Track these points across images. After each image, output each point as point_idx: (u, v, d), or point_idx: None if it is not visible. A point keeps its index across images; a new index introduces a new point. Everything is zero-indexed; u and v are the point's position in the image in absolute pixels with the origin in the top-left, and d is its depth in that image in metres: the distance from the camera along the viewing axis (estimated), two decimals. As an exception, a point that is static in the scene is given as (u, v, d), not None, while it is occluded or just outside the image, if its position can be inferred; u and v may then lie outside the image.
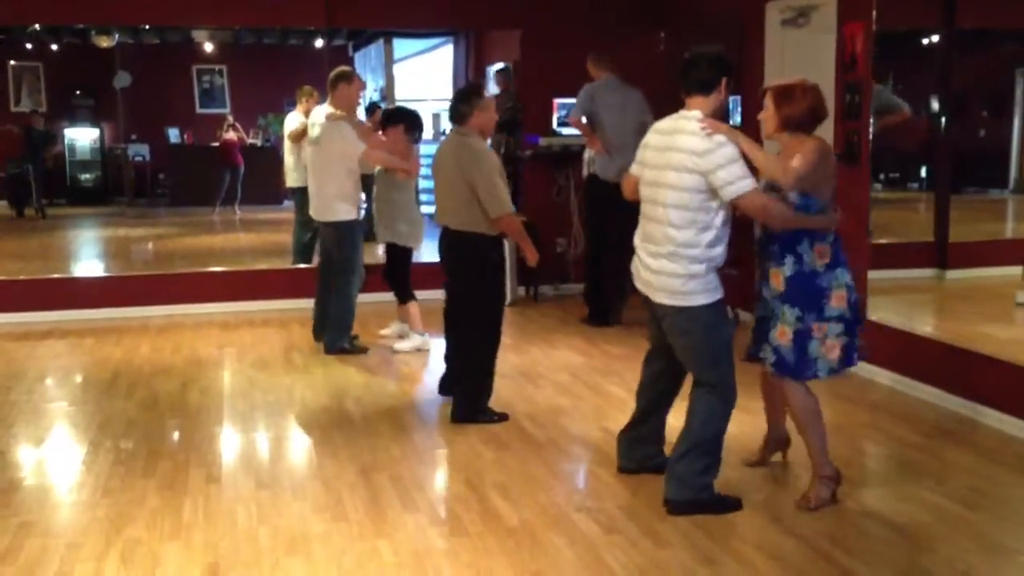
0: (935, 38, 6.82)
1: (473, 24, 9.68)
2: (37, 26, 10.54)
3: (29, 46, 13.86)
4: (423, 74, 13.24)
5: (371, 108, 10.93)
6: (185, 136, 14.76)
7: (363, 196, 7.10)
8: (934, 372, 5.60)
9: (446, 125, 5.52)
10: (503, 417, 5.32)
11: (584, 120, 7.49)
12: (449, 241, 5.31)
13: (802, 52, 6.79)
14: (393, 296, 7.02)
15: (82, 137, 14.58)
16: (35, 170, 13.42)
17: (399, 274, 6.92)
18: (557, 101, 8.85)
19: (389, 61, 12.47)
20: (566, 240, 9.04)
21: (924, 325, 6.28)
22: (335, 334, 6.79)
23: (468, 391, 5.32)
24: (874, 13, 6.03)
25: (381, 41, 12.33)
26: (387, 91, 12.51)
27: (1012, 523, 4.07)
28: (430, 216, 5.59)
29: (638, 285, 4.18)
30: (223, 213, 13.44)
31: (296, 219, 9.09)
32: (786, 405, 4.27)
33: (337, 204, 6.64)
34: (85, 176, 14.59)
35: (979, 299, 6.57)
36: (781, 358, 4.09)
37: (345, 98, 6.63)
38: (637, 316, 7.46)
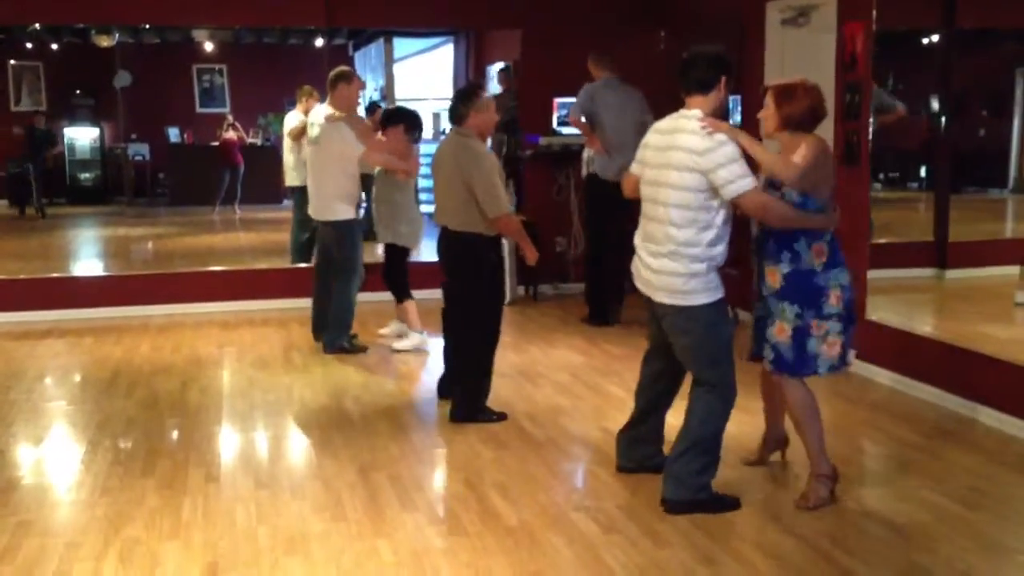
0: (935, 38, 6.82)
1: (473, 24, 9.68)
2: (37, 25, 10.54)
3: (29, 45, 13.88)
4: (423, 73, 13.23)
5: (371, 107, 10.93)
6: (185, 135, 14.77)
7: (363, 195, 7.11)
8: (934, 372, 5.60)
9: (446, 125, 5.52)
10: (502, 417, 5.32)
11: (583, 119, 7.50)
12: (448, 241, 5.31)
13: (802, 52, 6.79)
14: (391, 296, 7.03)
15: (82, 136, 14.59)
16: (36, 169, 13.43)
17: (397, 273, 6.92)
18: (557, 100, 8.84)
19: (389, 60, 12.47)
20: (566, 240, 9.04)
21: (924, 325, 6.28)
22: (334, 333, 6.79)
23: (467, 391, 5.32)
24: (874, 13, 6.03)
25: (381, 40, 12.33)
26: (387, 90, 12.51)
27: (1012, 523, 4.07)
28: (430, 216, 5.59)
29: (638, 285, 4.18)
30: (223, 212, 13.44)
31: (294, 218, 9.09)
32: (784, 403, 4.27)
33: (336, 204, 6.64)
34: (85, 175, 14.60)
35: (979, 299, 6.57)
36: (779, 355, 4.09)
37: (344, 98, 6.63)
38: (637, 316, 7.46)
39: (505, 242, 5.88)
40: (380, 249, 7.07)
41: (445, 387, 5.63)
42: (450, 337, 5.59)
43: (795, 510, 4.08)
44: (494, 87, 10.10)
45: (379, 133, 6.91)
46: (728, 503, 4.10)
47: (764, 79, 6.73)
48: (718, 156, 3.79)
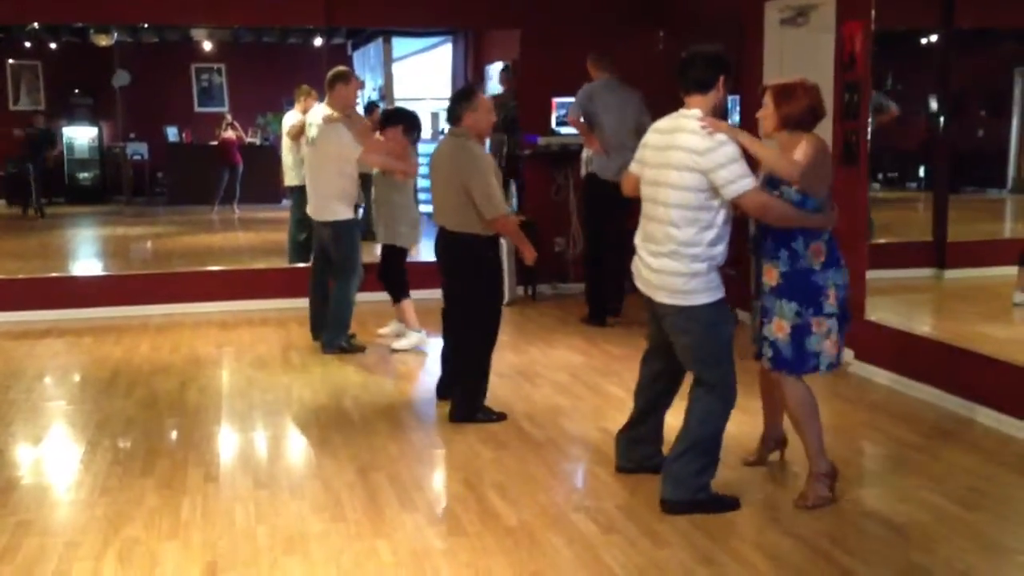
0: (934, 38, 6.82)
1: (472, 23, 9.68)
2: (36, 25, 10.52)
3: (28, 45, 13.87)
4: (422, 73, 13.23)
5: (369, 107, 10.92)
6: (184, 135, 14.76)
7: (361, 195, 7.11)
8: (932, 372, 5.61)
9: (445, 125, 5.53)
10: (501, 417, 5.32)
11: (582, 120, 7.51)
12: (446, 242, 5.31)
13: (801, 52, 6.79)
14: (388, 296, 7.04)
15: (81, 136, 14.58)
16: (35, 169, 13.43)
17: (394, 273, 6.93)
18: (556, 100, 8.84)
19: (388, 60, 12.46)
20: (565, 239, 9.04)
21: (922, 325, 6.28)
22: (333, 333, 6.79)
23: (466, 391, 5.32)
24: (873, 13, 6.03)
25: (380, 40, 12.32)
26: (386, 90, 12.50)
27: (1011, 523, 4.07)
28: (429, 216, 5.59)
29: (638, 285, 4.18)
30: (222, 212, 13.44)
31: (292, 217, 9.10)
32: (783, 402, 4.27)
33: (334, 204, 6.64)
34: (84, 175, 14.59)
35: (977, 299, 6.57)
36: (778, 352, 4.10)
37: (342, 98, 6.63)
38: (637, 316, 7.46)
39: (504, 242, 5.88)
40: (379, 249, 7.07)
41: (444, 388, 5.63)
42: (449, 338, 5.59)
43: (794, 510, 4.08)
44: (494, 87, 10.10)
45: (378, 133, 6.91)
46: (727, 503, 4.10)
47: (763, 79, 6.73)
48: (718, 156, 3.79)
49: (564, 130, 8.75)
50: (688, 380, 4.21)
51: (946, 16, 6.38)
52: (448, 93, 10.16)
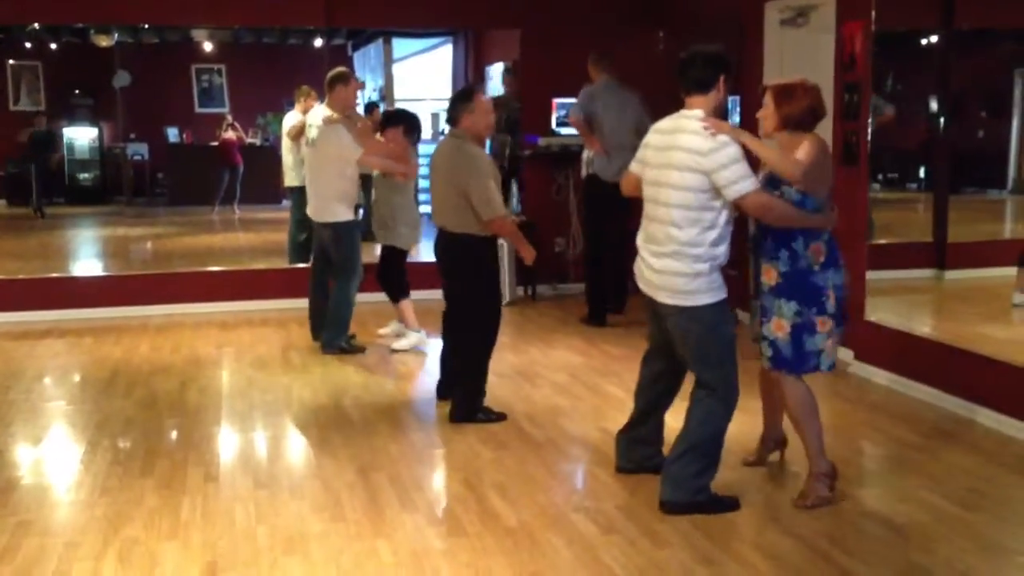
0: (934, 38, 6.82)
1: (472, 24, 9.68)
2: (36, 25, 10.52)
3: (28, 45, 13.85)
4: (422, 74, 13.23)
5: (369, 107, 10.92)
6: (184, 135, 14.75)
7: (361, 196, 7.11)
8: (932, 372, 5.61)
9: (445, 125, 5.54)
10: (501, 417, 5.32)
11: (583, 121, 7.52)
12: (444, 243, 5.32)
13: (801, 52, 6.79)
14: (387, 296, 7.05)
15: (81, 136, 14.57)
16: (37, 170, 13.44)
17: (394, 274, 6.93)
18: (556, 101, 8.84)
19: (388, 61, 12.45)
20: (565, 240, 9.04)
21: (922, 325, 6.28)
22: (332, 333, 6.80)
23: (466, 391, 5.33)
24: (873, 13, 6.03)
25: (380, 41, 12.31)
26: (386, 91, 12.50)
27: (1010, 524, 4.07)
28: (429, 216, 5.60)
29: (640, 285, 4.18)
30: (222, 212, 13.43)
31: (292, 217, 9.11)
32: (783, 402, 4.27)
33: (334, 205, 6.64)
34: (84, 175, 14.58)
35: (977, 299, 6.57)
36: (778, 351, 4.10)
37: (342, 99, 6.64)
38: (637, 316, 7.47)
39: (504, 243, 5.89)
40: (378, 249, 7.08)
41: (444, 388, 5.63)
42: (449, 340, 5.60)
43: (794, 510, 4.08)
44: (494, 87, 10.10)
45: (378, 134, 6.92)
46: (727, 504, 4.10)
47: (763, 79, 6.73)
48: (721, 157, 3.79)
49: (564, 131, 8.75)
50: (689, 381, 4.21)
51: (946, 17, 6.38)
52: (448, 94, 10.15)
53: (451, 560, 3.66)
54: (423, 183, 7.91)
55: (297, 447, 5.06)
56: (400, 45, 12.48)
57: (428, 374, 6.29)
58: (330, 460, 4.73)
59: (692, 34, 7.78)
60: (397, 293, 6.92)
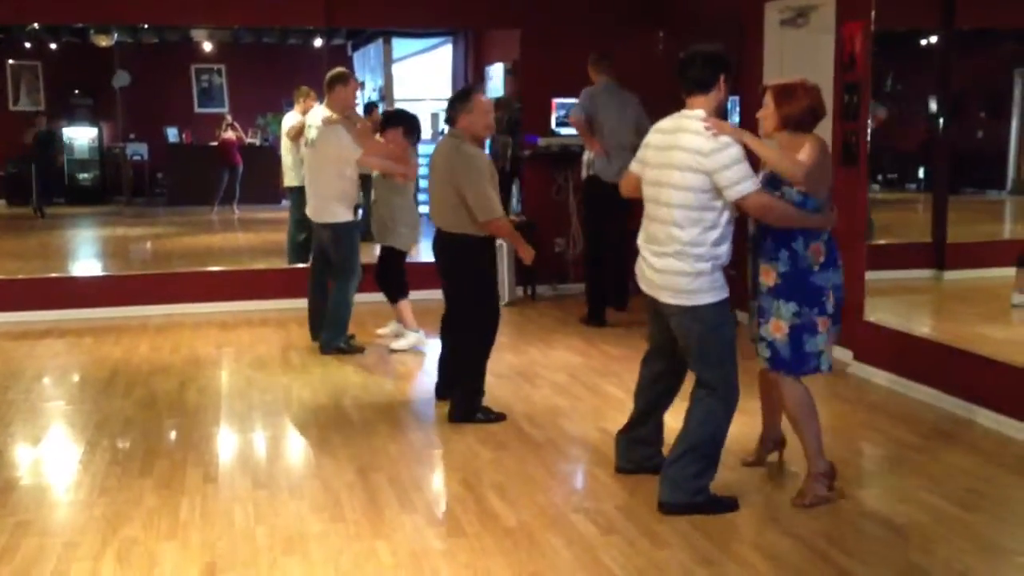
0: (934, 38, 6.82)
1: (472, 24, 9.68)
2: (36, 25, 10.52)
3: (28, 45, 13.85)
4: (422, 74, 13.23)
5: (368, 107, 10.93)
6: (184, 135, 14.75)
7: (360, 196, 7.11)
8: (931, 373, 5.61)
9: (444, 125, 5.54)
10: (500, 417, 5.32)
11: (583, 121, 7.53)
12: (442, 242, 5.33)
13: (801, 52, 6.79)
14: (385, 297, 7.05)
15: (80, 136, 14.57)
16: (37, 170, 13.44)
17: (393, 275, 6.93)
18: (556, 101, 8.84)
19: (388, 61, 12.45)
20: (564, 240, 9.04)
21: (921, 326, 6.28)
22: (331, 334, 6.79)
23: (465, 391, 5.33)
24: (873, 13, 6.03)
25: (380, 41, 12.32)
26: (386, 91, 12.50)
27: (1009, 524, 4.07)
28: (428, 217, 5.60)
29: (642, 285, 4.17)
30: (221, 212, 13.44)
31: (291, 218, 9.11)
32: (781, 403, 4.28)
33: (334, 206, 6.64)
34: (83, 175, 14.57)
35: (976, 300, 6.57)
36: (776, 352, 4.10)
37: (341, 100, 6.63)
38: (636, 317, 7.47)
39: (504, 243, 5.88)
40: (377, 250, 7.08)
41: (443, 389, 5.63)
42: (447, 342, 5.60)
43: (793, 511, 4.08)
44: (494, 87, 10.10)
45: (378, 135, 6.92)
46: (726, 504, 4.10)
47: (763, 79, 6.73)
48: (723, 157, 3.79)
49: (564, 131, 8.75)
50: (689, 381, 4.21)
51: (946, 17, 6.38)
52: (448, 94, 10.15)
53: (450, 560, 3.65)
54: (422, 183, 7.92)
55: (296, 447, 5.06)
56: (400, 45, 12.49)
57: (427, 374, 6.29)
58: (329, 460, 4.73)
59: (692, 34, 7.78)
60: (396, 294, 6.92)
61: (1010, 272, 6.13)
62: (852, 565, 3.60)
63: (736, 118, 7.53)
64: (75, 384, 6.31)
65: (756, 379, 4.50)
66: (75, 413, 5.58)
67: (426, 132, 10.55)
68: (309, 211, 6.86)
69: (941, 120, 6.67)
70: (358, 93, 7.25)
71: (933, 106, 6.82)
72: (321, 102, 6.92)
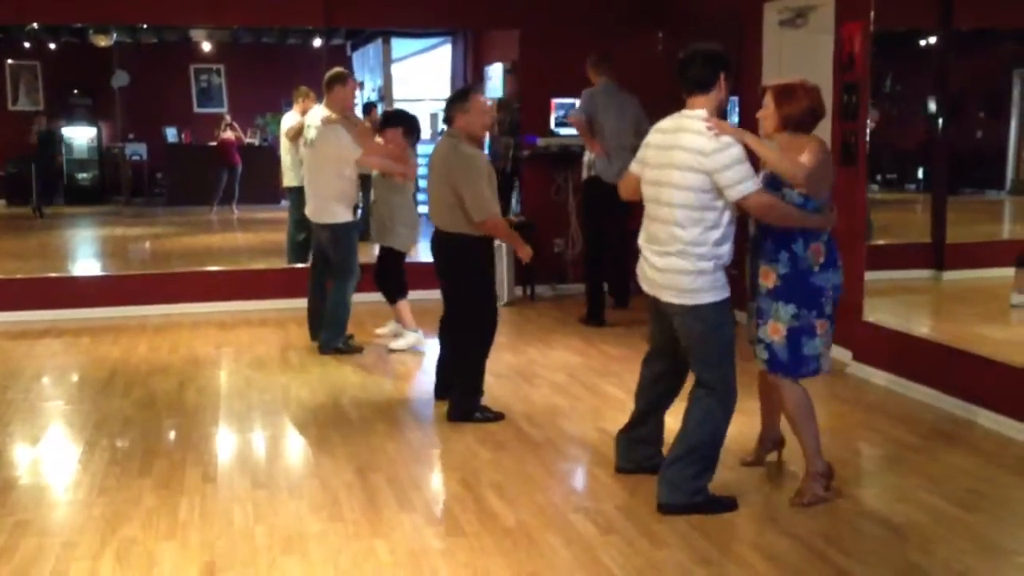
0: (933, 39, 6.82)
1: (472, 24, 9.68)
2: (35, 25, 10.51)
3: (27, 45, 13.85)
4: (421, 74, 13.23)
5: (367, 107, 10.93)
6: (183, 135, 14.75)
7: (359, 196, 7.10)
8: (930, 373, 5.61)
9: (443, 125, 5.55)
10: (499, 416, 5.32)
11: (584, 122, 7.54)
12: (440, 242, 5.33)
13: (800, 52, 6.79)
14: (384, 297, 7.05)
15: (79, 136, 14.57)
16: (38, 169, 13.45)
17: (392, 275, 6.93)
18: (555, 101, 8.85)
19: (387, 61, 12.45)
20: (564, 240, 9.04)
21: (920, 326, 6.28)
22: (329, 334, 6.79)
23: (464, 390, 5.33)
24: (872, 14, 6.04)
25: (379, 41, 12.32)
26: (385, 91, 12.50)
27: (1009, 524, 4.07)
28: (427, 217, 5.60)
29: (643, 285, 4.17)
30: (220, 212, 13.43)
31: (290, 218, 9.11)
32: (780, 403, 4.28)
33: (333, 206, 6.64)
34: (82, 175, 14.58)
35: (975, 300, 6.57)
36: (774, 355, 4.10)
37: (340, 99, 6.63)
38: (635, 317, 7.48)
39: (503, 243, 5.87)
40: (376, 250, 7.08)
41: (441, 389, 5.63)
42: (445, 343, 5.60)
43: (792, 511, 4.08)
44: (494, 88, 10.10)
45: (377, 136, 6.91)
46: (725, 504, 4.10)
47: (762, 80, 6.73)
48: (724, 158, 3.78)
49: (563, 131, 8.75)
50: (690, 381, 4.20)
51: (945, 17, 6.39)
52: (447, 94, 10.16)
53: (449, 560, 3.65)
54: (421, 183, 7.93)
55: (295, 447, 5.06)
56: (399, 45, 12.49)
57: (425, 374, 6.29)
58: (328, 460, 4.72)
59: (691, 34, 7.75)
60: (395, 294, 6.92)
61: (1009, 272, 6.13)
62: (850, 565, 3.60)
63: (735, 118, 7.53)
64: (74, 384, 6.30)
65: (755, 380, 4.50)
66: (74, 413, 5.57)
67: (425, 132, 10.55)
68: (308, 211, 6.86)
69: (940, 120, 6.68)
70: (357, 93, 7.25)
71: (932, 106, 6.83)
72: (320, 102, 6.92)
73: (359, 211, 7.08)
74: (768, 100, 4.07)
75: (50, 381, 6.35)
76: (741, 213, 4.01)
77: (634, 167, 4.20)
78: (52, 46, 13.70)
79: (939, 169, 6.80)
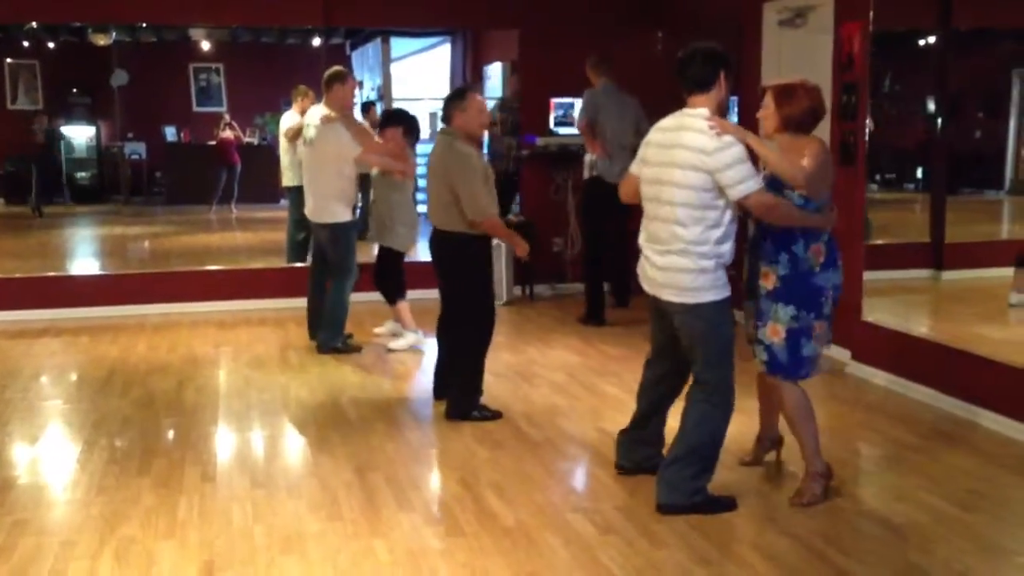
0: (932, 39, 6.82)
1: (471, 23, 9.67)
2: (34, 24, 10.50)
3: (26, 44, 13.82)
4: (420, 73, 13.22)
5: (366, 107, 10.92)
6: (182, 134, 14.72)
7: (359, 196, 7.10)
8: (930, 373, 5.61)
9: (441, 124, 5.56)
10: (497, 415, 5.32)
11: (586, 125, 7.57)
12: (438, 241, 5.34)
13: (799, 52, 6.79)
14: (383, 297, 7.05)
15: (78, 135, 14.55)
16: (39, 168, 13.44)
17: (391, 275, 6.92)
18: (555, 101, 8.84)
19: (386, 60, 12.44)
20: (563, 240, 9.04)
21: (919, 326, 6.28)
22: (328, 334, 6.79)
23: (462, 389, 5.33)
24: (871, 14, 6.03)
25: (378, 40, 12.31)
26: (384, 90, 12.49)
27: (1009, 524, 4.07)
28: (426, 216, 5.61)
29: (644, 285, 4.17)
30: (220, 211, 13.42)
31: (290, 217, 9.10)
32: (779, 404, 4.28)
33: (332, 205, 6.63)
34: (81, 174, 14.55)
35: (974, 300, 6.57)
36: (773, 356, 4.10)
37: (339, 98, 6.62)
38: (635, 316, 7.48)
39: (502, 243, 5.86)
40: (375, 249, 7.07)
41: (440, 389, 5.63)
42: (443, 343, 5.60)
43: (791, 510, 4.08)
44: (493, 87, 10.09)
45: (376, 135, 6.91)
46: (724, 504, 4.09)
47: (761, 80, 6.73)
48: (726, 157, 3.78)
49: (563, 131, 8.75)
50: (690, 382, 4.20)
51: (944, 17, 6.39)
52: (446, 93, 10.16)
53: (448, 560, 3.65)
54: (421, 183, 7.93)
55: (294, 446, 5.05)
56: (398, 44, 12.48)
57: (424, 373, 6.29)
58: (327, 459, 4.72)
59: (691, 34, 7.73)
60: (394, 295, 6.91)
61: (1008, 272, 6.14)
62: (850, 565, 3.60)
63: (735, 118, 7.53)
64: (73, 383, 6.30)
65: (754, 379, 4.50)
66: (72, 412, 5.57)
67: (425, 132, 10.52)
68: (308, 211, 6.86)
69: (939, 120, 6.68)
70: (356, 92, 7.25)
71: (931, 106, 6.83)
72: (319, 101, 6.92)
73: (358, 210, 7.07)
74: (768, 100, 4.06)
75: (49, 380, 6.35)
76: (742, 212, 4.01)
77: (634, 168, 4.19)
78: (51, 45, 13.67)
79: (938, 169, 6.80)
